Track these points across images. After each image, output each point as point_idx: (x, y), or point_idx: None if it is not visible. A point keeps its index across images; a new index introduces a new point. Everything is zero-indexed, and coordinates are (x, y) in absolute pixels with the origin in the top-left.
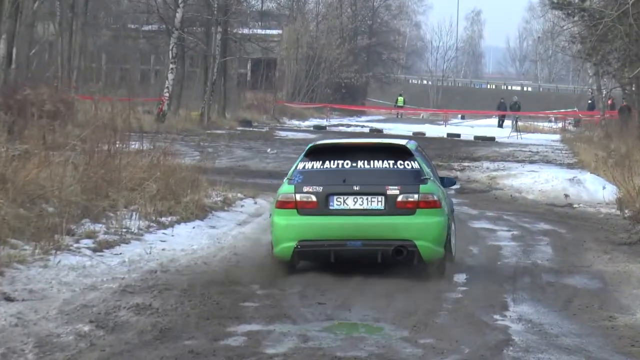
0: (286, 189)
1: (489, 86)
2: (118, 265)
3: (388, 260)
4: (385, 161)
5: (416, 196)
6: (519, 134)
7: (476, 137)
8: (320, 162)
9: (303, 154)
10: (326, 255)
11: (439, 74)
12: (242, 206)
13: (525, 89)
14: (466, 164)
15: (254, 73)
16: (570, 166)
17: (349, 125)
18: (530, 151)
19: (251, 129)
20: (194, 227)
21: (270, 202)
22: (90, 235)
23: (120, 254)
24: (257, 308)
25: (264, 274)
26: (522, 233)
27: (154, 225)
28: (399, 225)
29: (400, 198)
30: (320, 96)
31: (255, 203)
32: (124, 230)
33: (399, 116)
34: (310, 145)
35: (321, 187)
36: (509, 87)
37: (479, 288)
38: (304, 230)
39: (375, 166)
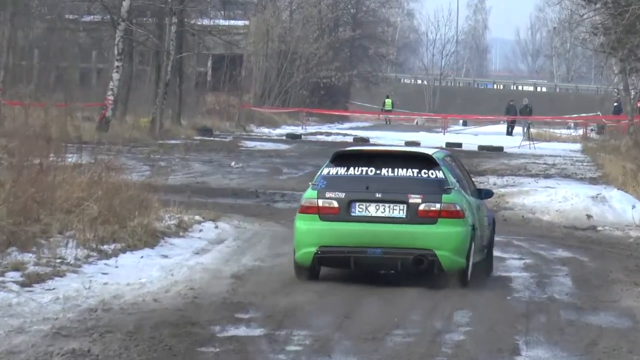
0: (309, 194)
1: (495, 86)
2: (51, 302)
3: (408, 269)
4: (409, 169)
5: (438, 205)
6: (531, 143)
7: (481, 147)
8: (345, 168)
9: (329, 160)
10: (346, 261)
11: (436, 72)
12: (200, 231)
13: (538, 89)
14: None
15: (216, 72)
16: (593, 181)
17: (328, 134)
18: (545, 163)
19: (212, 138)
20: (142, 257)
21: (235, 225)
22: (18, 266)
23: (54, 289)
24: (218, 354)
25: (227, 312)
26: (536, 262)
27: (95, 254)
28: (420, 234)
29: (422, 207)
30: (294, 99)
31: (217, 227)
32: (58, 260)
33: (388, 122)
34: (335, 151)
35: (344, 193)
36: (520, 88)
37: (485, 328)
38: (325, 235)
39: (399, 174)
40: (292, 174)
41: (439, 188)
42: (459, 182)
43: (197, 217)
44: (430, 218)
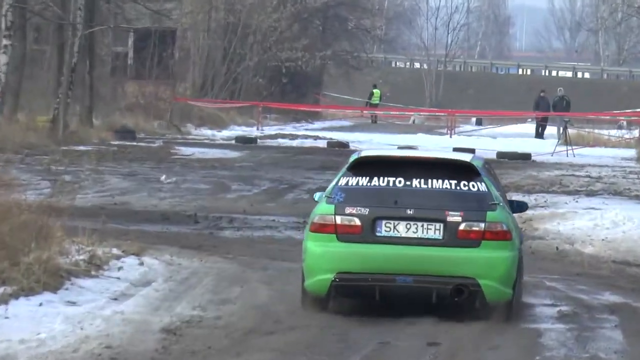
0: (324, 208)
1: (521, 71)
2: None
3: (445, 301)
4: (446, 180)
5: (482, 225)
6: (569, 148)
7: (501, 155)
8: (367, 178)
9: (346, 166)
10: (370, 291)
11: (440, 52)
12: (119, 269)
13: (579, 75)
14: None
15: (140, 53)
16: None
17: (294, 137)
18: (588, 176)
19: (135, 143)
20: (41, 304)
21: (166, 261)
22: None
23: None
24: None
25: None
26: (575, 309)
27: None
28: (460, 259)
29: (462, 226)
30: (247, 90)
31: (142, 264)
32: None
33: (375, 121)
34: (355, 156)
35: (367, 209)
36: (553, 73)
37: None
38: (345, 260)
39: (434, 186)
40: (244, 192)
41: (483, 204)
42: (501, 195)
43: (115, 251)
44: (472, 240)
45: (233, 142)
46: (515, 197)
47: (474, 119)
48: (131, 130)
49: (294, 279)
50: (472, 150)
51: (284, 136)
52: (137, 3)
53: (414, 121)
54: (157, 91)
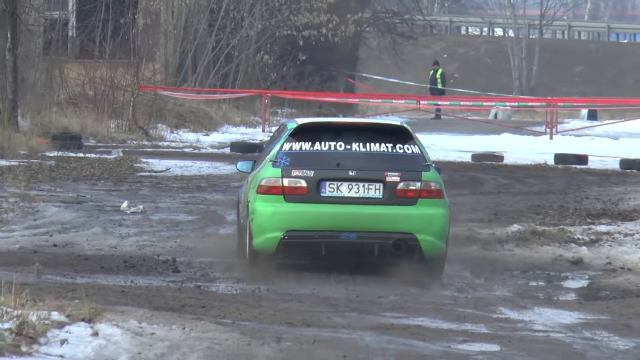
0: (271, 172)
1: None
2: None
3: (385, 255)
4: (383, 144)
5: (419, 184)
6: None
7: (627, 163)
8: (310, 143)
9: (287, 133)
10: (317, 248)
11: (532, 11)
12: (63, 343)
13: None
14: (602, 227)
15: (85, 20)
16: None
17: None
18: None
19: (81, 154)
20: None
21: (133, 330)
22: None
23: None
24: None
25: None
26: None
27: None
28: (399, 216)
29: (400, 186)
30: (247, 72)
31: (96, 335)
32: None
33: (438, 115)
34: (293, 123)
35: (312, 172)
36: None
37: None
38: (292, 219)
39: (373, 149)
40: None
41: (418, 165)
42: None
43: (55, 316)
44: (409, 198)
45: (227, 150)
46: None
47: (585, 111)
48: (75, 136)
49: (325, 353)
50: (583, 159)
51: None
52: None
53: (496, 115)
54: (112, 77)
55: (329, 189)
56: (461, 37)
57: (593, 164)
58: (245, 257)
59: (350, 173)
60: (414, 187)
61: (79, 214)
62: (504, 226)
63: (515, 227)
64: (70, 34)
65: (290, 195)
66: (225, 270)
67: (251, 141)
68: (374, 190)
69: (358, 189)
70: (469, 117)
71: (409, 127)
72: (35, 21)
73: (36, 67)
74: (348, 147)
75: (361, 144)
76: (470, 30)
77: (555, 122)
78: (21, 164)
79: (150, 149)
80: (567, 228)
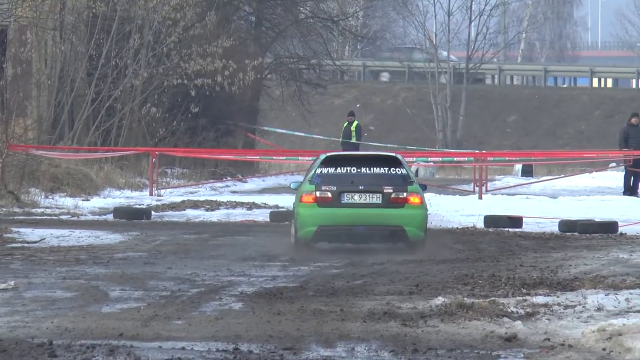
0: (308, 187)
1: (595, 82)
2: None
3: (384, 240)
4: (381, 168)
5: (405, 194)
6: None
7: (567, 225)
8: (334, 168)
9: (319, 161)
10: (339, 236)
11: (458, 53)
12: None
13: None
14: (540, 299)
15: None
16: None
17: (213, 206)
18: None
19: None
20: None
21: None
22: None
23: None
24: None
25: None
26: None
27: None
28: (393, 214)
29: (393, 195)
30: (132, 127)
31: None
32: None
33: None
34: (323, 156)
35: (335, 187)
36: None
37: None
38: (323, 218)
39: (374, 171)
40: (131, 301)
41: (404, 181)
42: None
43: None
44: (399, 203)
45: (110, 217)
46: (592, 297)
47: (518, 167)
48: None
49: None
50: (517, 221)
51: (196, 205)
52: None
53: (417, 172)
54: None
55: (346, 198)
56: (376, 84)
57: (528, 226)
58: (292, 243)
59: (360, 187)
60: (401, 196)
61: None
62: (427, 299)
63: (439, 300)
64: None
65: (320, 202)
66: (108, 354)
67: (137, 206)
68: (375, 198)
69: (365, 197)
70: None
71: (399, 157)
72: None
73: None
74: (358, 170)
75: (367, 168)
76: (387, 75)
77: (485, 180)
78: None
79: (22, 217)
80: (499, 300)
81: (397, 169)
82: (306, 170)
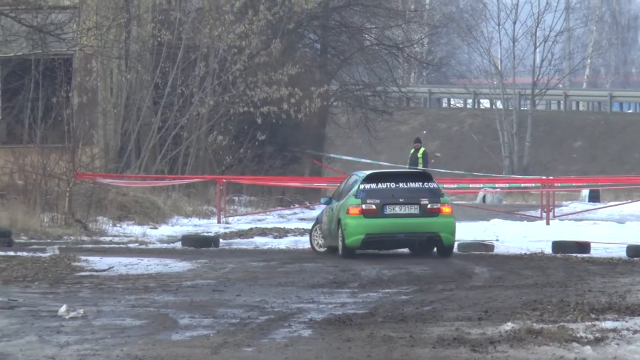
0: (354, 201)
1: None
2: None
3: (421, 245)
4: (417, 182)
5: (439, 204)
6: None
7: (634, 250)
8: (375, 183)
9: (361, 179)
10: (383, 243)
11: (523, 79)
12: None
13: None
14: (608, 324)
15: (12, 99)
16: None
17: (280, 233)
18: None
19: (11, 252)
20: None
21: None
22: None
23: None
24: None
25: None
26: None
27: None
28: (429, 223)
29: (429, 206)
30: (199, 156)
31: None
32: None
33: None
34: (367, 173)
35: (379, 200)
36: None
37: None
38: (369, 227)
39: (411, 186)
40: (200, 329)
41: (437, 193)
42: None
43: None
44: (434, 213)
45: (178, 245)
46: None
47: (585, 192)
48: (4, 232)
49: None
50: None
51: (264, 232)
52: (4, 14)
53: (484, 199)
54: (45, 164)
55: (388, 209)
56: (442, 110)
57: (596, 251)
58: (339, 252)
59: (400, 200)
60: (436, 206)
61: (10, 320)
62: (496, 325)
63: (509, 326)
64: None
65: (366, 213)
66: None
67: (205, 234)
68: (414, 209)
69: (405, 208)
70: (454, 202)
71: (430, 173)
72: None
73: None
74: (397, 185)
75: (404, 183)
76: (452, 102)
77: (552, 206)
78: None
79: (90, 245)
80: (568, 325)
81: (430, 184)
82: (339, 189)
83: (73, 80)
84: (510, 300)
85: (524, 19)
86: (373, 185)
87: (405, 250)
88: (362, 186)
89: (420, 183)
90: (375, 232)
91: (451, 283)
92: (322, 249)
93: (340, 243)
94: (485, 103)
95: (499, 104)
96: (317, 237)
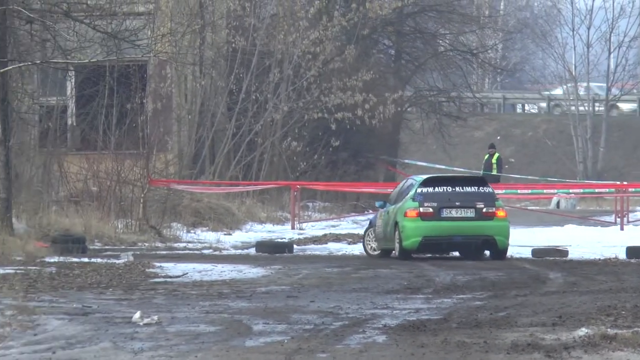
0: (412, 204)
1: None
2: None
3: (477, 248)
4: (472, 187)
5: (493, 208)
6: None
7: None
8: (432, 187)
9: (418, 183)
10: (440, 246)
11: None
12: None
13: None
14: None
15: (87, 106)
16: None
17: (355, 239)
18: None
19: (86, 259)
20: None
21: None
22: None
23: None
24: None
25: None
26: None
27: None
28: (485, 226)
29: (484, 210)
30: (273, 162)
31: None
32: None
33: None
34: (424, 177)
35: (436, 203)
36: None
37: None
38: (426, 230)
39: (467, 190)
40: (274, 335)
41: (492, 198)
42: None
43: None
44: (489, 216)
45: (253, 251)
46: None
47: None
48: (79, 238)
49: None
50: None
51: (338, 238)
52: (79, 21)
53: (558, 204)
54: (119, 170)
55: (445, 213)
56: (517, 116)
57: None
58: (396, 254)
59: (457, 203)
60: (491, 210)
61: (84, 327)
62: (570, 330)
63: (583, 331)
64: (69, 122)
65: (424, 216)
66: None
67: (280, 240)
68: (470, 213)
69: (461, 212)
70: (528, 207)
71: (485, 178)
72: (29, 109)
73: (32, 161)
74: (454, 189)
75: (461, 187)
76: (527, 108)
77: (626, 211)
78: (17, 271)
79: (164, 252)
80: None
81: (485, 188)
82: (394, 192)
83: (147, 87)
84: (584, 306)
85: (598, 25)
86: (430, 189)
87: (456, 254)
88: (419, 190)
89: (476, 187)
90: (433, 234)
91: (525, 289)
92: (375, 252)
93: (397, 245)
94: (556, 106)
95: (574, 110)
96: (369, 241)
